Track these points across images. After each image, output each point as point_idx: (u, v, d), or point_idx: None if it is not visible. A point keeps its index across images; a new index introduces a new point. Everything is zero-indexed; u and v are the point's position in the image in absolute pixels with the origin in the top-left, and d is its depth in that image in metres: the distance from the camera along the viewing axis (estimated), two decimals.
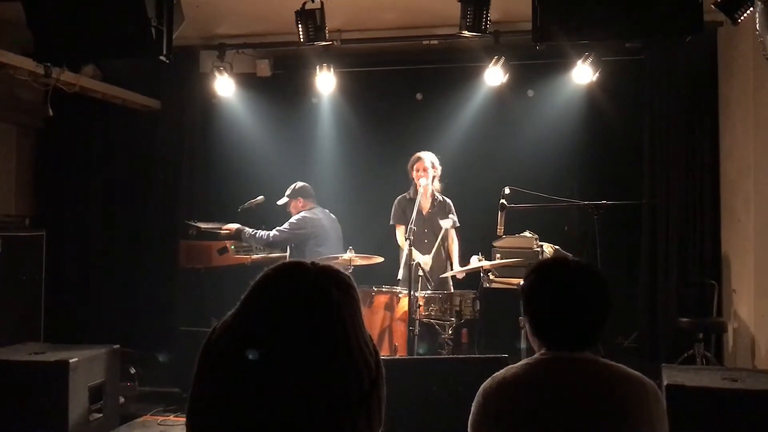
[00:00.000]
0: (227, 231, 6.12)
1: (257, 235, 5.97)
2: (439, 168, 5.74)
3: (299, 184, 6.16)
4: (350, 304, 0.98)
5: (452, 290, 5.51)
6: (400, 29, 6.50)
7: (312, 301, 0.95)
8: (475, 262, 5.39)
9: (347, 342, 0.95)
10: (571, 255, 4.83)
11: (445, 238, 5.68)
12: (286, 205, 6.15)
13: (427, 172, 5.63)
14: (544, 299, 1.97)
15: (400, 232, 5.68)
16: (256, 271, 1.00)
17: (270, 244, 6.09)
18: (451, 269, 5.63)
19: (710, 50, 6.28)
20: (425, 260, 5.45)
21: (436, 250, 5.61)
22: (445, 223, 5.58)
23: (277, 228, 5.96)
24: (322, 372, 0.91)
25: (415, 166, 5.67)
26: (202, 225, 6.26)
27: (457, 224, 5.80)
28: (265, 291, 0.98)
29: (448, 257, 5.78)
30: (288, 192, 6.13)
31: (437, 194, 5.82)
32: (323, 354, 0.92)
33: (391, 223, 5.82)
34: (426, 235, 5.66)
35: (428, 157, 5.68)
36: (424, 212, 5.70)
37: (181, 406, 5.35)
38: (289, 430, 0.89)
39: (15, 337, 5.31)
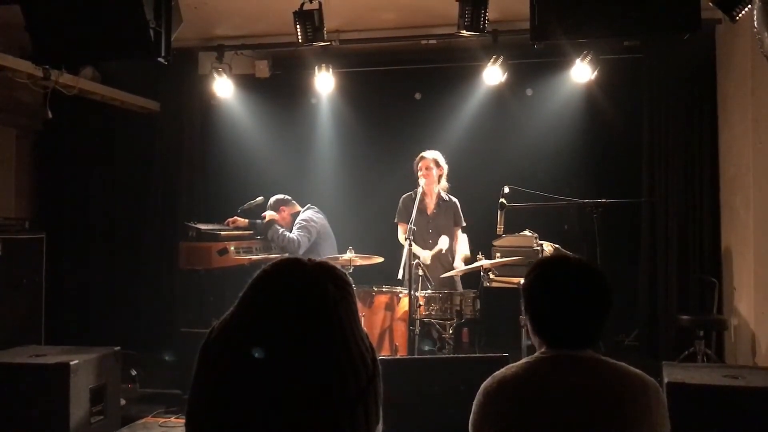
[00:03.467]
0: (249, 206, 6.22)
1: (285, 234, 5.90)
2: (445, 167, 5.70)
3: (272, 199, 6.22)
4: (347, 301, 0.98)
5: (461, 289, 5.50)
6: (398, 29, 6.51)
7: (309, 297, 0.96)
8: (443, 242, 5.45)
9: (344, 338, 0.95)
10: (571, 253, 4.84)
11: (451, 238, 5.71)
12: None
13: (430, 171, 5.60)
14: (545, 297, 1.97)
15: (402, 230, 5.67)
16: (255, 272, 1.01)
17: (296, 249, 5.88)
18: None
19: (708, 48, 6.28)
20: (424, 256, 5.44)
21: (437, 252, 5.62)
22: (443, 243, 5.55)
23: (298, 234, 5.90)
24: (319, 368, 0.92)
25: (418, 165, 5.65)
26: (202, 226, 6.27)
27: (463, 224, 5.81)
28: (262, 288, 0.98)
29: (451, 257, 5.79)
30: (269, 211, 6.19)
31: (443, 194, 5.78)
32: (320, 350, 0.93)
33: (395, 221, 5.81)
34: (430, 235, 5.64)
35: (431, 156, 5.65)
36: (428, 212, 5.68)
37: (182, 407, 5.34)
38: (287, 426, 0.89)
39: (16, 340, 5.31)
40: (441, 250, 5.54)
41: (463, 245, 5.79)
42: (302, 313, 0.94)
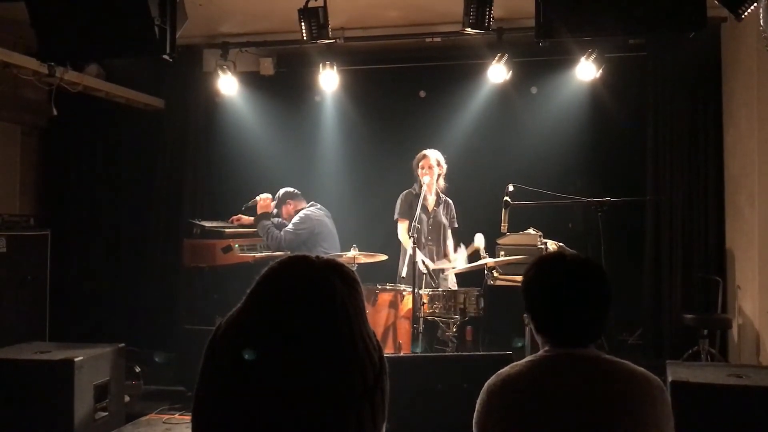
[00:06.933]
0: (254, 203, 6.16)
1: (271, 232, 5.95)
2: (445, 166, 5.71)
3: (280, 191, 6.22)
4: (354, 298, 0.99)
5: (450, 287, 5.51)
6: (403, 27, 6.51)
7: (317, 294, 0.96)
8: (479, 240, 5.41)
9: (352, 336, 0.95)
10: (570, 250, 4.83)
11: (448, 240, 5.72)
12: (278, 215, 6.21)
13: (432, 169, 5.61)
14: (544, 294, 1.97)
15: (404, 227, 5.67)
16: (260, 270, 1.01)
17: (280, 247, 6.01)
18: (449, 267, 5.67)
19: (714, 46, 6.26)
20: (428, 263, 5.44)
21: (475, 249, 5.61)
22: (478, 240, 5.52)
23: (285, 229, 5.95)
24: (326, 365, 0.92)
25: (420, 164, 5.65)
26: (207, 223, 6.28)
27: (456, 225, 5.83)
28: (270, 285, 0.98)
29: (445, 256, 5.80)
30: (273, 203, 6.20)
31: (441, 193, 5.81)
32: (328, 347, 0.93)
33: (395, 217, 5.80)
34: (430, 231, 5.65)
35: (434, 155, 5.65)
36: (429, 209, 5.69)
37: (186, 404, 5.35)
38: (293, 423, 0.89)
39: (20, 336, 5.33)
40: (478, 248, 5.50)
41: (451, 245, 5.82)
42: (310, 310, 0.94)
